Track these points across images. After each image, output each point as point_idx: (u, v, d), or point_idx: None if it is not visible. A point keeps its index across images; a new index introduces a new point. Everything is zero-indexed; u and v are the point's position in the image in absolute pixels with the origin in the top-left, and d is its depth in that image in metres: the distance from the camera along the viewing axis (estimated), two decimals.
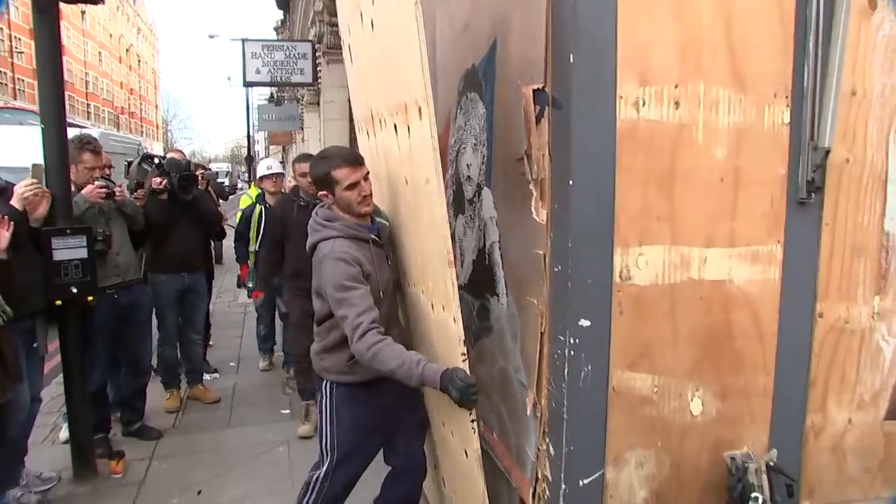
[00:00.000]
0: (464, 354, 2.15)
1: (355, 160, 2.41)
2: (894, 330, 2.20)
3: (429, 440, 2.82)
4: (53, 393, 4.61)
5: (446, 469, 2.71)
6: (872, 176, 2.12)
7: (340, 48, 8.35)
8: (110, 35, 53.84)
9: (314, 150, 5.62)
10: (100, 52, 51.03)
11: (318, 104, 10.86)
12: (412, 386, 2.26)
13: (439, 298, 2.25)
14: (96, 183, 3.66)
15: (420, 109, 2.04)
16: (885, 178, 2.13)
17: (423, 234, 2.29)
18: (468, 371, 2.14)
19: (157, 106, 69.93)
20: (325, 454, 2.55)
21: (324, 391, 2.53)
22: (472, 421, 2.19)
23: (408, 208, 2.45)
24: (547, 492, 2.13)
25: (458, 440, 2.39)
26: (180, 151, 5.56)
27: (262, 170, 5.67)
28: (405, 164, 2.34)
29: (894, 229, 2.16)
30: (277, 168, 5.67)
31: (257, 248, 5.25)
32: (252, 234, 5.36)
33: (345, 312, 2.26)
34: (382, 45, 2.33)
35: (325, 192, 2.42)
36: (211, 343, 6.16)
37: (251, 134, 23.09)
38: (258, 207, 5.38)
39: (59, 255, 3.31)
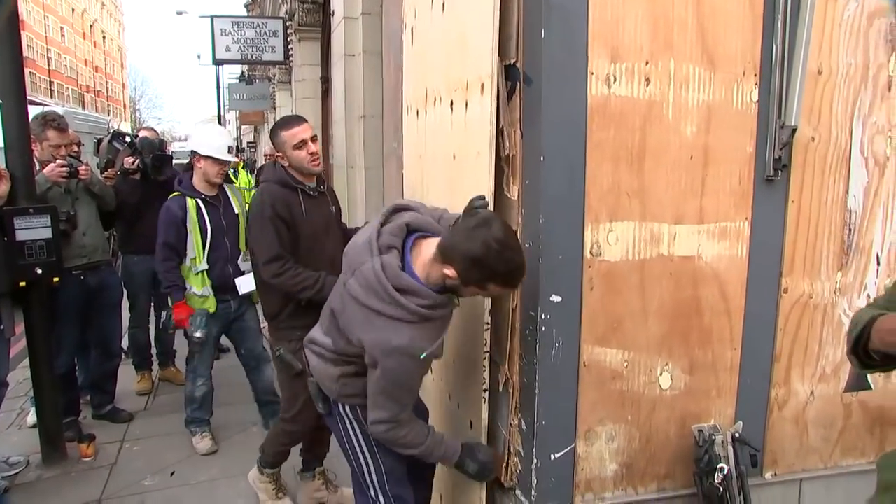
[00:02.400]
0: (487, 323, 2.13)
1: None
2: (855, 304, 2.26)
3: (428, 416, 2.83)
4: (20, 377, 4.52)
5: None
6: (837, 154, 2.16)
7: (312, 26, 8.24)
8: (72, 10, 52.06)
9: None
10: (62, 28, 49.32)
11: (290, 83, 10.70)
12: (429, 462, 2.16)
13: None
14: (57, 161, 3.55)
15: (483, 85, 2.05)
16: (849, 156, 2.17)
17: (461, 205, 2.27)
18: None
19: (124, 84, 68.08)
20: (373, 491, 2.14)
21: (345, 416, 2.12)
22: (484, 390, 2.18)
23: (447, 183, 2.47)
24: (519, 466, 2.17)
25: (463, 411, 2.39)
26: (153, 129, 5.33)
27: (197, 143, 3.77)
28: (456, 139, 2.36)
29: (857, 207, 2.22)
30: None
31: None
32: None
33: (387, 402, 1.91)
34: (452, 26, 2.37)
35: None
36: None
37: (222, 113, 22.63)
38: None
39: (21, 236, 3.22)
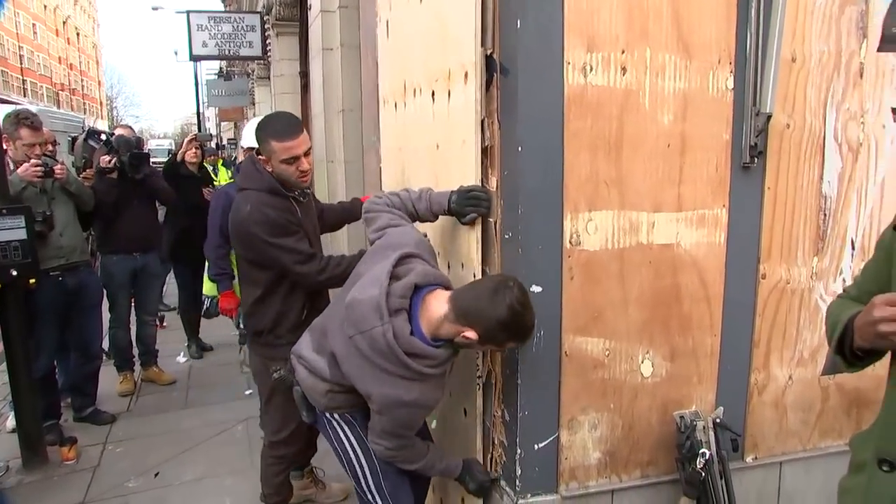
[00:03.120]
0: None
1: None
2: (831, 289, 2.30)
3: None
4: None
5: (436, 433, 2.67)
6: (811, 141, 2.19)
7: (289, 20, 8.17)
8: (44, 6, 51.02)
9: None
10: (34, 25, 48.35)
11: (269, 78, 10.60)
12: (429, 476, 2.23)
13: (459, 258, 2.25)
14: (31, 161, 3.49)
15: (466, 73, 2.03)
16: (823, 142, 2.20)
17: None
18: None
19: (100, 82, 67.00)
20: (370, 495, 2.12)
21: (333, 422, 2.11)
22: (478, 377, 2.18)
23: (432, 173, 2.44)
24: (503, 457, 2.17)
25: (456, 400, 2.38)
26: (129, 127, 5.25)
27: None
28: (439, 129, 2.34)
29: (831, 192, 2.24)
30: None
31: None
32: None
33: (391, 438, 1.95)
34: (430, 16, 2.35)
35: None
36: (165, 324, 6.03)
37: (201, 110, 22.39)
38: None
39: None
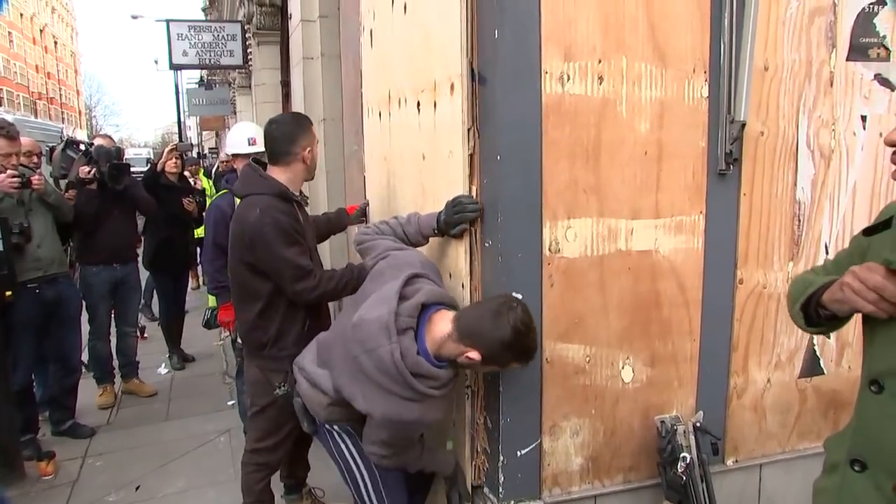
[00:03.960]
0: None
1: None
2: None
3: None
4: None
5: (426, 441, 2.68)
6: (784, 148, 2.23)
7: (270, 29, 8.14)
8: (21, 14, 50.39)
9: None
10: (10, 33, 47.72)
11: (250, 87, 10.55)
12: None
13: (447, 268, 2.25)
14: (8, 172, 3.44)
15: (452, 85, 2.05)
16: (796, 149, 2.24)
17: (438, 205, 2.24)
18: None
19: (78, 91, 66.22)
20: None
21: (333, 432, 2.16)
22: (467, 387, 2.20)
23: (418, 183, 2.44)
24: (486, 464, 2.18)
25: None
26: (108, 137, 5.16)
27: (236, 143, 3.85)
28: (424, 139, 2.34)
29: (805, 198, 2.29)
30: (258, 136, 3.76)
31: None
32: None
33: (388, 448, 1.96)
34: (415, 27, 2.35)
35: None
36: (146, 336, 5.97)
37: (182, 119, 22.21)
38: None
39: None
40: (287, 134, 2.45)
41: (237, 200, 2.85)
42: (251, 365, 2.62)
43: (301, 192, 2.57)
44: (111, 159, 4.18)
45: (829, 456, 1.34)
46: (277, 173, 2.45)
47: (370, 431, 1.95)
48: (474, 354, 1.77)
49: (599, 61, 1.96)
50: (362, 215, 3.07)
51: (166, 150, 4.55)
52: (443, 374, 1.84)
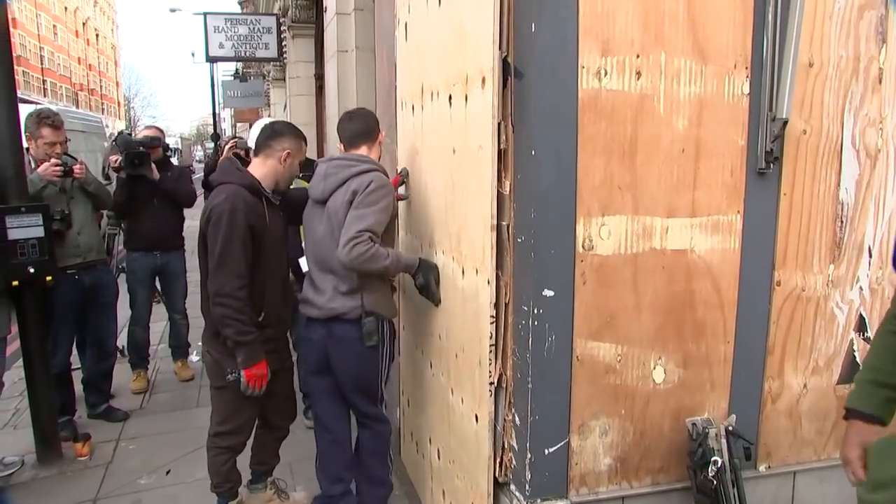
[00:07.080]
0: (492, 317, 2.13)
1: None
2: (847, 297, 2.27)
3: (423, 413, 2.88)
4: (15, 377, 4.50)
5: (444, 440, 2.70)
6: (828, 147, 2.16)
7: (305, 22, 8.20)
8: (65, 8, 51.76)
9: None
10: (54, 26, 49.04)
11: (284, 80, 10.66)
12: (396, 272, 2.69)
13: (473, 262, 2.25)
14: (52, 160, 3.54)
15: (484, 79, 2.04)
16: (841, 148, 2.18)
17: (467, 199, 2.27)
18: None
19: (118, 82, 67.79)
20: (381, 396, 2.70)
21: (374, 333, 2.58)
22: (490, 384, 2.18)
23: (448, 177, 2.46)
24: (513, 461, 2.17)
25: (468, 406, 2.38)
26: (155, 128, 5.19)
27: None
28: (455, 133, 2.35)
29: (848, 199, 2.22)
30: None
31: None
32: None
33: (369, 218, 2.44)
34: (449, 20, 2.36)
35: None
36: None
37: (217, 111, 22.55)
38: None
39: (14, 234, 3.21)
40: (275, 132, 2.67)
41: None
42: (206, 348, 2.71)
43: (277, 189, 2.69)
44: (130, 147, 4.26)
45: (884, 469, 1.26)
46: (255, 166, 2.65)
47: (353, 224, 2.39)
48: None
49: (637, 56, 1.92)
50: (406, 178, 3.04)
51: (227, 145, 4.54)
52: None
